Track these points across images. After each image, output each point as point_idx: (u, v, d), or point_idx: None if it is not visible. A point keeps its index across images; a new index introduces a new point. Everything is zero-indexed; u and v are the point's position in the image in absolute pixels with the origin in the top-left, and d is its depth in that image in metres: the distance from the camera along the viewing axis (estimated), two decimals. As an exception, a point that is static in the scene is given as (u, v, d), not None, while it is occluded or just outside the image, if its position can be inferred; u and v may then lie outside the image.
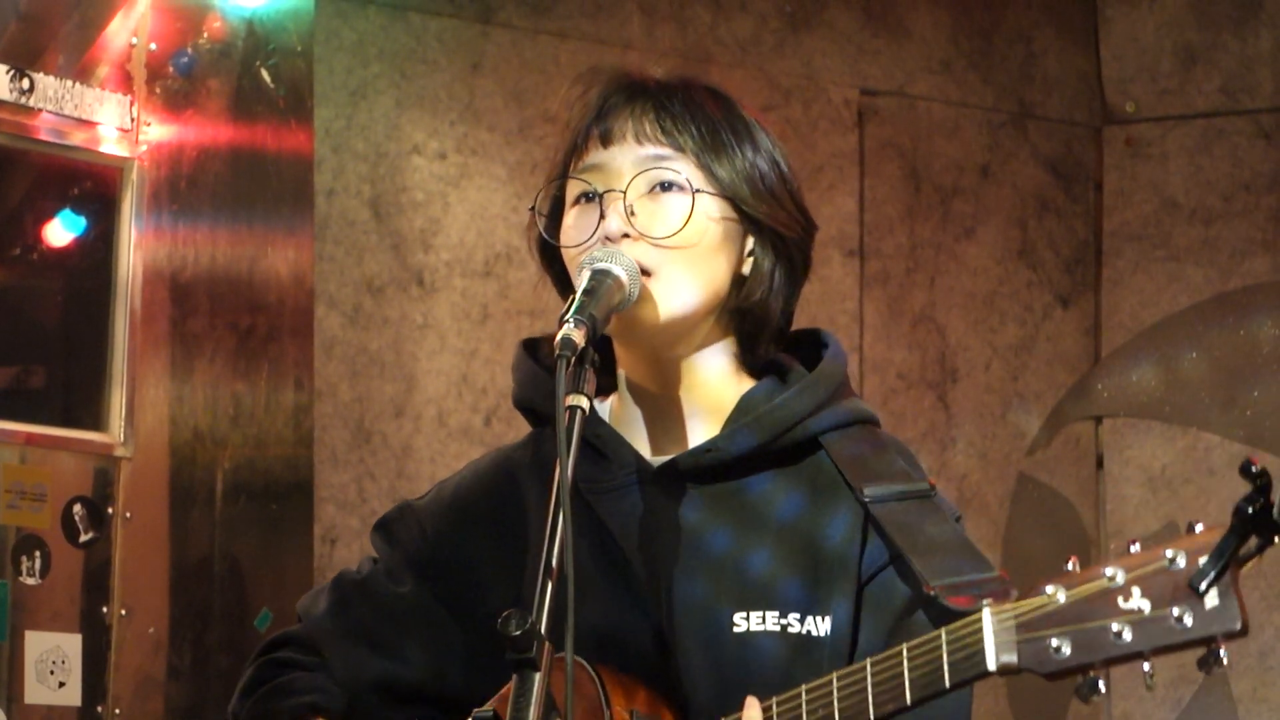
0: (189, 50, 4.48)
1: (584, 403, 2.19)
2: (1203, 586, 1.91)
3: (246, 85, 4.55)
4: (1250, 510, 1.87)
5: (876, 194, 5.59)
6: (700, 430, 2.43)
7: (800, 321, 2.53)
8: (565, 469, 2.11)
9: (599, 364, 2.25)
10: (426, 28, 5.06)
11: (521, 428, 2.58)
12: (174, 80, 4.45)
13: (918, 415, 5.58)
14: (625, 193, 2.36)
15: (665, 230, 2.35)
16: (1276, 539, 1.88)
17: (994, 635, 2.03)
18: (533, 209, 2.45)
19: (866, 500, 2.33)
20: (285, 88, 4.60)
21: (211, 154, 4.51)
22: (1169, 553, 1.95)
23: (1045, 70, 5.79)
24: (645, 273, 2.34)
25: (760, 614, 2.33)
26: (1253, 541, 1.89)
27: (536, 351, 2.51)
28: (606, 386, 2.48)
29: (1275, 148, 5.66)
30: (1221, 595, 1.91)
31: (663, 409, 2.44)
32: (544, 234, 2.44)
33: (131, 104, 4.39)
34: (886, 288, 5.58)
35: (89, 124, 4.33)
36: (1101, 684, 1.99)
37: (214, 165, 4.51)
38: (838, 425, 2.42)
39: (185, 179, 4.47)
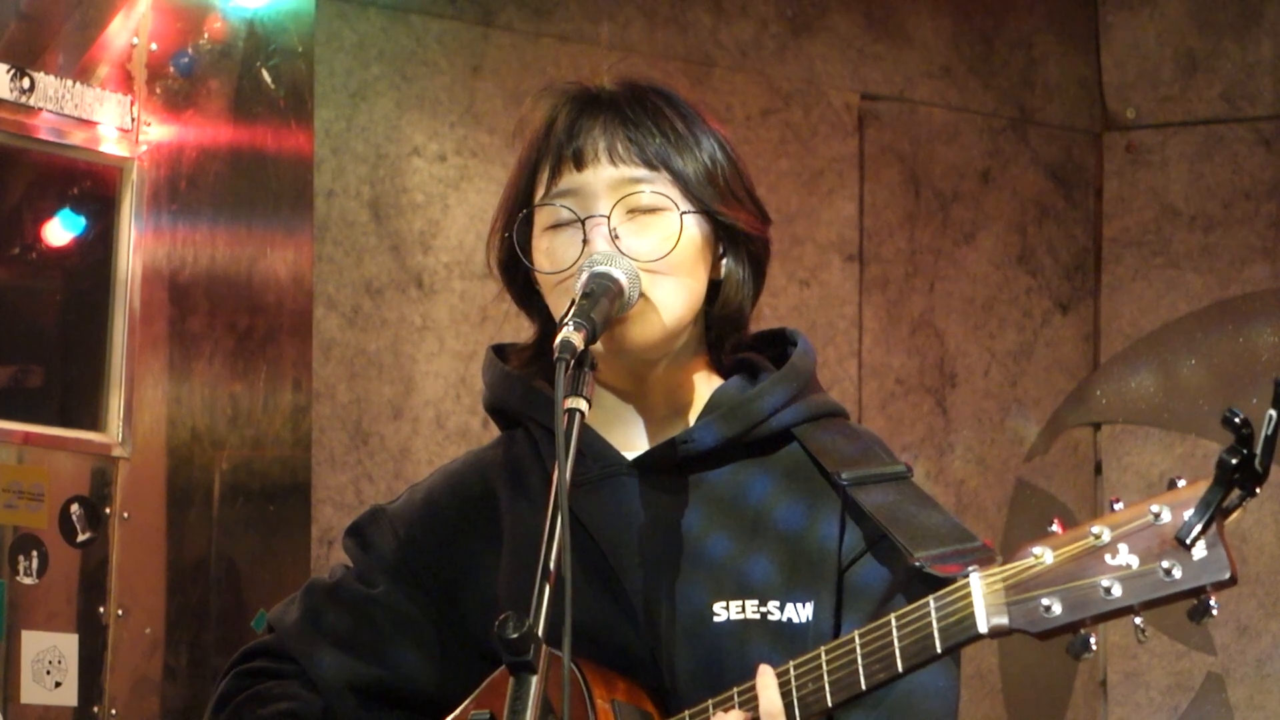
0: (189, 50, 4.48)
1: (583, 405, 2.20)
2: (1190, 539, 1.93)
3: (247, 86, 4.55)
4: (1234, 461, 1.90)
5: (876, 199, 5.58)
6: (672, 428, 2.44)
7: (800, 325, 2.55)
8: (564, 472, 2.12)
9: (597, 367, 2.26)
10: (427, 30, 5.06)
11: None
12: (174, 80, 4.45)
13: (916, 420, 5.58)
14: (609, 217, 2.36)
15: (655, 252, 2.36)
16: (1258, 489, 1.90)
17: (984, 598, 2.05)
18: (509, 234, 2.43)
19: (845, 483, 2.35)
20: (285, 89, 4.60)
21: (211, 154, 4.51)
22: (1154, 508, 1.98)
23: (1046, 76, 5.79)
24: None
25: (740, 603, 2.34)
26: (1235, 492, 1.91)
27: (505, 357, 2.52)
28: None
29: (1275, 155, 5.66)
30: (1209, 546, 1.93)
31: (636, 409, 2.45)
32: (523, 260, 2.41)
33: (132, 104, 4.39)
34: (886, 293, 5.58)
35: (89, 124, 4.33)
36: (1093, 641, 2.00)
37: (214, 166, 4.51)
38: (809, 418, 2.44)
39: (185, 179, 4.47)
